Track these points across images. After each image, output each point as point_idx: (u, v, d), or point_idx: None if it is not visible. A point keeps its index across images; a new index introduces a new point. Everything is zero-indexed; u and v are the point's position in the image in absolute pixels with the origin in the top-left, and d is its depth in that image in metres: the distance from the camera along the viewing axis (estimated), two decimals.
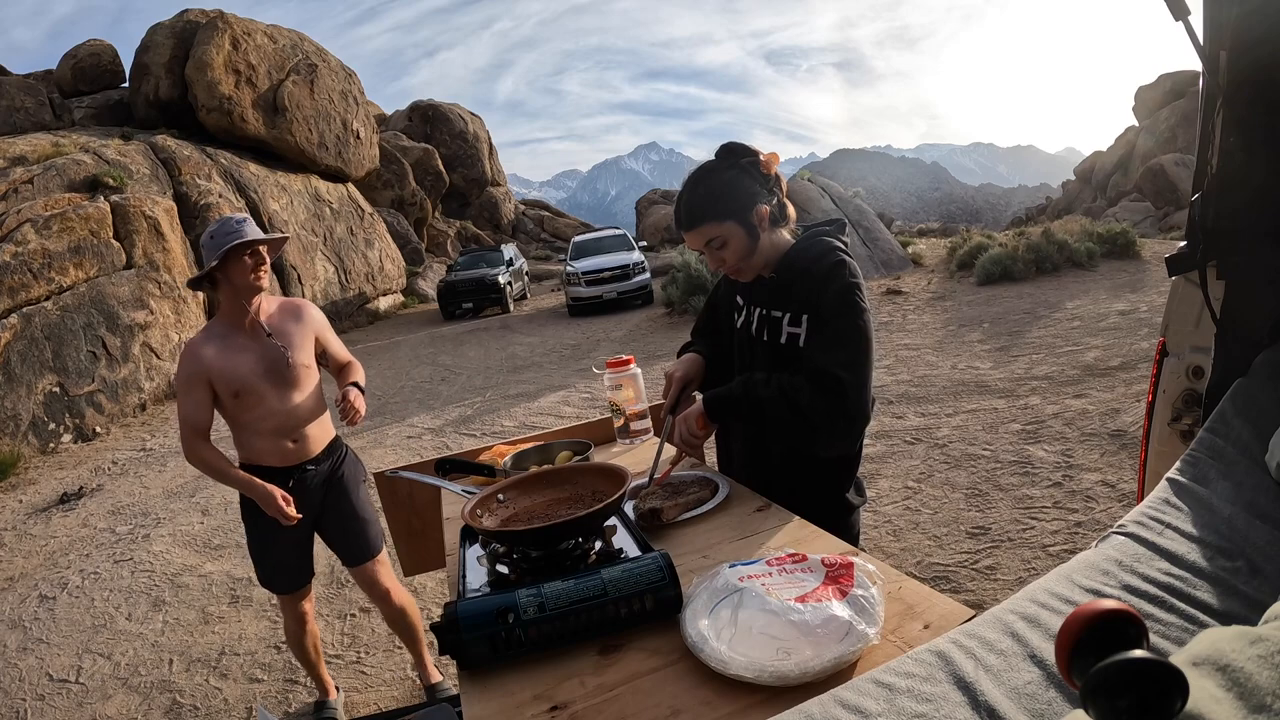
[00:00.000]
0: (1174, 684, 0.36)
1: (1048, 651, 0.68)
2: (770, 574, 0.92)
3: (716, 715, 0.76)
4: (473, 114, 29.26)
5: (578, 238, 15.17)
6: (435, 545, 1.73)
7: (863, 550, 1.09)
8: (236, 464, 2.09)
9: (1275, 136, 1.17)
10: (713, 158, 1.37)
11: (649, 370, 6.73)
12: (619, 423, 1.80)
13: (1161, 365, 1.46)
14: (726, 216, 1.31)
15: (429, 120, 27.59)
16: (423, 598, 3.18)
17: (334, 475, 2.20)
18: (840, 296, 1.27)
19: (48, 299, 7.91)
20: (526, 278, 17.48)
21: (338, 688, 2.55)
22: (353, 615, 3.17)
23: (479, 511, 1.13)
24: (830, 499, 1.39)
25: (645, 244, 17.15)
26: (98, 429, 7.62)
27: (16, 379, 7.17)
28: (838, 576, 0.90)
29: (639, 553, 1.06)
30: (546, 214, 32.23)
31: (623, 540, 1.13)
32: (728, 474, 1.47)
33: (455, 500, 1.52)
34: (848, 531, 1.39)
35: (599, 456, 1.69)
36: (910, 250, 12.91)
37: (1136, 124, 30.95)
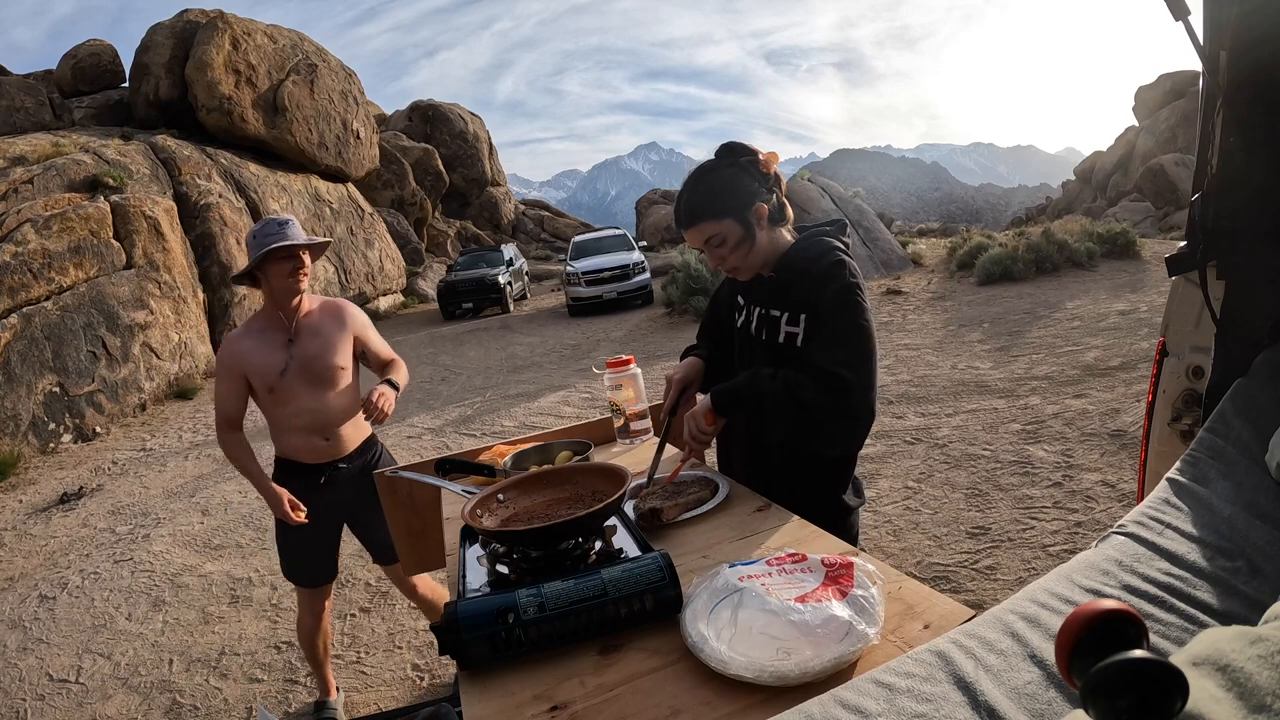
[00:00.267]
0: (1174, 684, 0.36)
1: (1048, 651, 0.68)
2: (770, 574, 0.92)
3: (716, 715, 0.76)
4: (473, 114, 29.27)
5: (578, 238, 15.18)
6: (435, 545, 1.74)
7: (863, 550, 1.09)
8: (273, 457, 2.14)
9: (1275, 136, 1.17)
10: (713, 157, 1.38)
11: (649, 370, 6.72)
12: (619, 423, 1.80)
13: (1161, 365, 1.46)
14: (725, 214, 1.31)
15: (429, 120, 27.59)
16: None
17: (367, 474, 2.19)
18: (840, 296, 1.27)
19: (48, 299, 7.91)
20: (526, 278, 17.49)
21: (338, 688, 2.55)
22: (353, 615, 3.17)
23: (479, 511, 1.13)
24: (831, 499, 1.40)
25: (645, 244, 17.16)
26: (98, 429, 7.62)
27: (16, 379, 7.17)
28: (838, 576, 0.90)
29: (639, 553, 1.05)
30: (546, 214, 32.24)
31: (623, 540, 1.13)
32: (728, 474, 1.47)
33: (455, 500, 1.52)
34: (847, 532, 1.39)
35: (599, 456, 1.69)
36: (910, 250, 12.89)
37: (1136, 124, 30.93)
